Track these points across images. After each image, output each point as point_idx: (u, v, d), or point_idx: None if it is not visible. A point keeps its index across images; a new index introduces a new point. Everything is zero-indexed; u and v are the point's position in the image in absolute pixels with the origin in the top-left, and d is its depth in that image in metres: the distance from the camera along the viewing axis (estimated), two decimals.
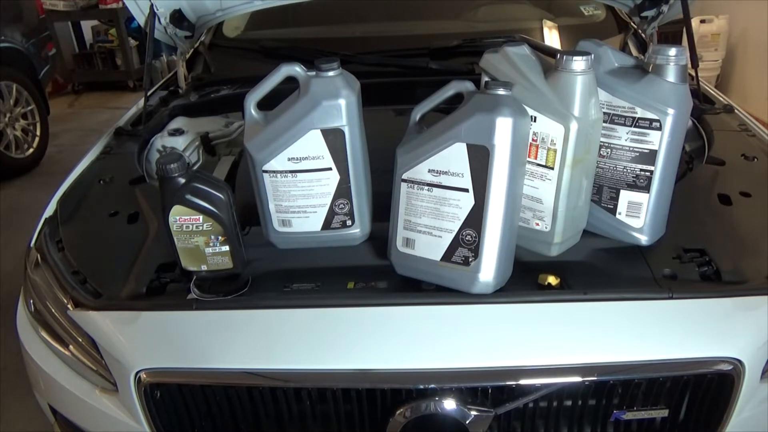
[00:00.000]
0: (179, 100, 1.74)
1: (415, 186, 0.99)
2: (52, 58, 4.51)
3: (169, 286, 1.06)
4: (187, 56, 1.90)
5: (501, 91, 0.93)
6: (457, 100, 0.99)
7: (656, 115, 1.01)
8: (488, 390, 0.97)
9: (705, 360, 0.95)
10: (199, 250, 1.00)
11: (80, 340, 1.09)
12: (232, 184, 1.35)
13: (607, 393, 0.99)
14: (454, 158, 0.94)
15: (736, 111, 1.60)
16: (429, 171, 0.97)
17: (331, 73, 1.02)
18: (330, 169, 1.05)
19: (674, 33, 3.14)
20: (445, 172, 0.96)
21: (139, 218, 1.23)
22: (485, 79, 1.08)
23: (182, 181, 0.96)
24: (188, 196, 0.93)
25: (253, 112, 1.06)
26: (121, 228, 1.22)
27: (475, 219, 0.95)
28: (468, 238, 0.96)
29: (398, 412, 0.97)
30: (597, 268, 1.07)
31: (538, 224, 1.05)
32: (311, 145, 1.04)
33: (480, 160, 0.92)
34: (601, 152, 1.07)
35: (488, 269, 0.96)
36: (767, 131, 1.51)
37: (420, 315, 0.98)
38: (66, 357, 1.13)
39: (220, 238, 0.99)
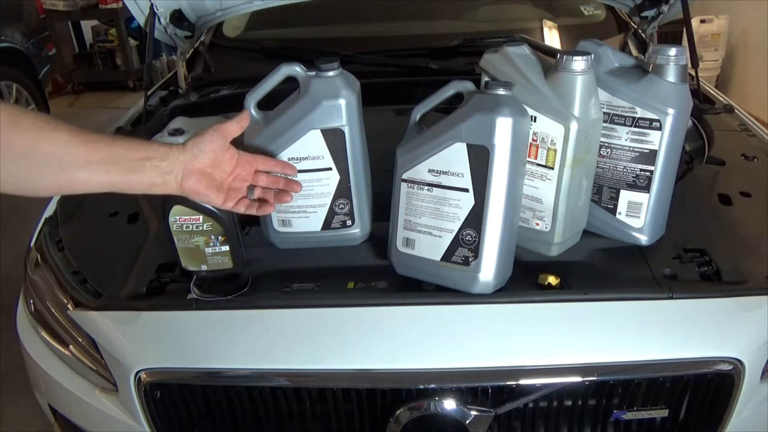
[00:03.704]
0: (179, 100, 1.74)
1: (415, 186, 0.99)
2: (52, 58, 4.51)
3: (169, 286, 1.06)
4: (187, 56, 1.90)
5: (501, 91, 0.93)
6: (457, 100, 0.99)
7: (656, 115, 1.01)
8: (488, 390, 0.97)
9: (705, 360, 0.95)
10: (199, 250, 1.00)
11: (80, 340, 1.09)
12: None
13: (607, 393, 0.99)
14: (454, 158, 0.94)
15: (736, 111, 1.60)
16: (429, 171, 0.97)
17: (331, 73, 1.02)
18: (330, 169, 1.05)
19: (674, 33, 3.14)
20: (445, 172, 0.96)
21: (139, 218, 1.23)
22: (485, 79, 1.08)
23: None
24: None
25: (253, 112, 1.06)
26: (121, 228, 1.22)
27: (475, 219, 0.95)
28: (468, 238, 0.96)
29: (398, 411, 0.97)
30: (597, 268, 1.07)
31: (538, 224, 1.05)
32: (311, 145, 1.04)
33: (480, 160, 0.92)
34: (601, 152, 1.07)
35: (488, 269, 0.96)
36: (767, 131, 1.51)
37: (420, 315, 0.98)
38: (66, 357, 1.13)
39: (220, 238, 0.99)
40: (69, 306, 1.07)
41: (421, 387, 0.97)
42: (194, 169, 0.85)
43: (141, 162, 0.81)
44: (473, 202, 0.94)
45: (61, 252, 1.18)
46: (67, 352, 1.13)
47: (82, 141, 0.77)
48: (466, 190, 0.94)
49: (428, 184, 0.98)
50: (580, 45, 1.08)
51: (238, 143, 0.94)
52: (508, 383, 0.96)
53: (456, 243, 0.97)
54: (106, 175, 0.79)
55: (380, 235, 1.09)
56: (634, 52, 1.87)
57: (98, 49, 5.69)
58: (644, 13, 1.74)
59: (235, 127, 0.91)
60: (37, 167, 0.75)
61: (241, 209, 0.93)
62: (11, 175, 0.74)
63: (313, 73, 1.03)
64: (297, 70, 1.03)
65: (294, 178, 1.00)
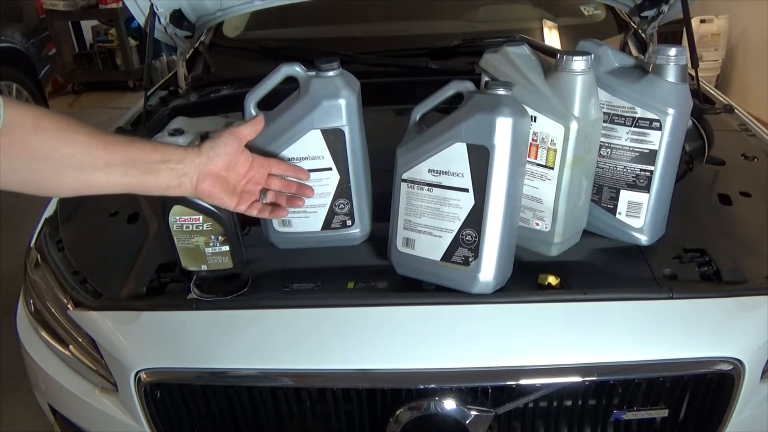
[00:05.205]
0: (179, 100, 1.74)
1: (415, 186, 0.99)
2: (52, 58, 4.50)
3: (169, 286, 1.06)
4: (187, 56, 1.90)
5: (501, 91, 0.93)
6: (457, 100, 0.99)
7: (656, 115, 1.01)
8: (488, 390, 0.97)
9: (705, 360, 0.95)
10: (199, 250, 1.00)
11: (80, 340, 1.09)
12: None
13: (607, 393, 0.99)
14: (454, 158, 0.94)
15: (736, 111, 1.60)
16: (429, 171, 0.97)
17: (331, 73, 1.02)
18: (330, 169, 1.05)
19: (674, 33, 3.14)
20: (445, 172, 0.96)
21: (139, 218, 1.23)
22: (485, 79, 1.08)
23: None
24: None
25: (253, 112, 1.05)
26: (121, 228, 1.22)
27: (475, 219, 0.95)
28: (468, 238, 0.96)
29: (398, 411, 0.97)
30: (597, 268, 1.07)
31: (538, 224, 1.05)
32: (311, 145, 1.04)
33: (480, 160, 0.92)
34: (601, 152, 1.07)
35: (488, 269, 0.96)
36: (767, 131, 1.51)
37: (420, 315, 0.98)
38: (66, 357, 1.13)
39: (220, 238, 0.99)
40: (69, 306, 1.07)
41: (421, 387, 0.97)
42: (209, 172, 0.86)
43: (157, 164, 0.82)
44: (473, 202, 0.94)
45: (61, 252, 1.18)
46: (67, 352, 1.13)
47: (101, 143, 0.77)
48: (466, 190, 0.94)
49: (428, 184, 0.98)
50: (580, 45, 1.08)
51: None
52: (508, 383, 0.96)
53: (456, 243, 0.97)
54: (123, 177, 0.79)
55: (380, 235, 1.09)
56: (634, 52, 1.87)
57: (98, 49, 5.69)
58: (644, 13, 1.74)
59: (249, 130, 0.92)
60: (58, 169, 0.76)
61: (254, 212, 0.94)
62: (32, 176, 0.75)
63: (313, 73, 1.03)
64: (297, 70, 1.03)
65: (306, 182, 1.00)
